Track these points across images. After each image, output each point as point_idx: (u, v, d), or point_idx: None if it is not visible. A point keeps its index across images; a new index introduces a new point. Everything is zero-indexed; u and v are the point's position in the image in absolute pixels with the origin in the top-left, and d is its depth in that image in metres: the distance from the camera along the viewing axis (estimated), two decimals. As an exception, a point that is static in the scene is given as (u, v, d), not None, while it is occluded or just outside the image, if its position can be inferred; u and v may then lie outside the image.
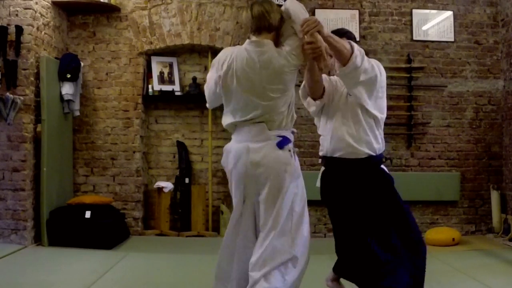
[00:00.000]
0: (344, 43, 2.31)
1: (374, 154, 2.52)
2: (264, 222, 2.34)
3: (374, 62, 2.54)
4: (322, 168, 2.68)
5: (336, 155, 2.56)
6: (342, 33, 2.58)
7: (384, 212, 2.50)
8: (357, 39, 5.18)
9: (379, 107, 2.54)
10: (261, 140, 2.35)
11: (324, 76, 2.60)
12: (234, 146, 2.45)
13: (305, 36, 2.26)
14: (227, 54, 2.42)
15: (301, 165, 5.13)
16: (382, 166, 2.59)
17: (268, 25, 2.34)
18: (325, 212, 5.12)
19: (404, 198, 5.29)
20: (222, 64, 2.41)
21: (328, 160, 2.61)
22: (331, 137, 2.57)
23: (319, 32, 2.23)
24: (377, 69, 2.50)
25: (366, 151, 2.51)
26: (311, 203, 5.55)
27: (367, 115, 2.51)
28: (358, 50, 2.34)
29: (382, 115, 2.56)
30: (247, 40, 2.40)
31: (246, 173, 2.37)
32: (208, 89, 2.57)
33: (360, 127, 2.50)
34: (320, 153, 2.69)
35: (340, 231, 2.66)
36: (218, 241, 2.84)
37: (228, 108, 2.47)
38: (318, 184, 2.69)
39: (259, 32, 2.35)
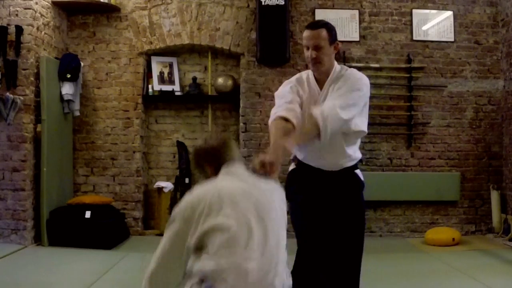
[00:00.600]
0: (308, 133, 2.19)
1: (354, 163, 2.43)
2: None
3: (356, 83, 2.39)
4: (292, 166, 2.51)
5: (318, 167, 2.40)
6: (320, 25, 2.38)
7: (346, 231, 2.36)
8: (357, 39, 5.20)
9: (363, 123, 2.43)
10: None
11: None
12: None
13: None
14: None
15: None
16: (357, 170, 2.47)
17: None
18: (325, 212, 5.13)
19: (404, 198, 5.35)
20: None
21: (303, 164, 2.45)
22: (318, 157, 2.37)
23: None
24: (357, 99, 2.34)
25: (348, 164, 2.41)
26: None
27: (354, 136, 2.40)
28: (323, 125, 2.15)
29: (366, 129, 2.44)
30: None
31: None
32: None
33: (350, 149, 2.39)
34: (293, 156, 2.51)
35: (301, 233, 2.38)
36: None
37: None
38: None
39: None
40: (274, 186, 1.90)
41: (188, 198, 1.76)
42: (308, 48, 2.34)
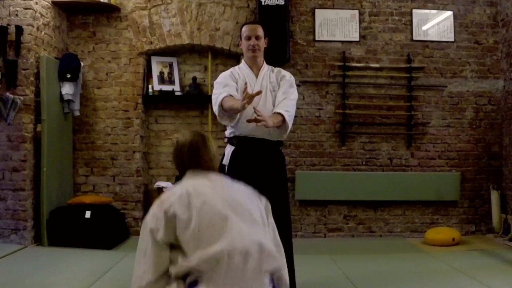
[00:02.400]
0: (278, 120, 2.84)
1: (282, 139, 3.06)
2: None
3: (291, 80, 3.09)
4: (231, 148, 3.02)
5: (255, 136, 2.95)
6: (257, 22, 3.19)
7: (276, 196, 2.79)
8: (357, 39, 5.20)
9: None
10: None
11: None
12: None
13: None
14: None
15: (301, 165, 5.16)
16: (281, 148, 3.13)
17: None
18: (325, 212, 5.13)
19: (404, 198, 5.36)
20: None
21: (241, 139, 2.98)
22: (255, 128, 2.85)
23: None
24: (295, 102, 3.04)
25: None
26: (311, 203, 5.56)
27: None
28: (288, 120, 2.86)
29: None
30: None
31: None
32: None
33: None
34: (230, 135, 3.04)
35: None
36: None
37: None
38: (225, 162, 3.02)
39: None
40: (242, 187, 1.97)
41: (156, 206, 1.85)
42: (249, 38, 2.96)
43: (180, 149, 1.99)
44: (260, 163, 2.96)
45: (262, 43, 3.01)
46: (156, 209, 1.82)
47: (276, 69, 3.13)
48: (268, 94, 2.99)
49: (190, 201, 1.77)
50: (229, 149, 3.05)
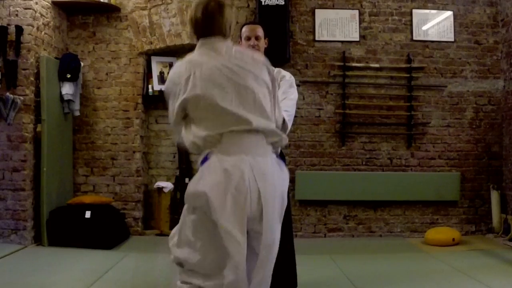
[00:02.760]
0: None
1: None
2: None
3: (291, 80, 3.04)
4: None
5: None
6: (257, 23, 3.16)
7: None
8: (357, 39, 5.20)
9: None
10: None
11: None
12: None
13: None
14: None
15: (301, 165, 5.14)
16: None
17: None
18: (325, 212, 5.14)
19: (404, 198, 5.36)
20: None
21: None
22: None
23: None
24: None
25: None
26: (311, 203, 5.56)
27: None
28: (288, 120, 2.64)
29: None
30: None
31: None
32: None
33: None
34: None
35: None
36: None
37: None
38: None
39: None
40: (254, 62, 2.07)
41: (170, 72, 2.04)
42: (249, 39, 2.96)
43: (195, 10, 2.04)
44: None
45: (262, 44, 3.02)
46: (173, 70, 2.03)
47: (276, 69, 3.13)
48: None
49: (190, 70, 1.93)
50: None
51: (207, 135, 1.88)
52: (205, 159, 1.91)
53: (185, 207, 2.05)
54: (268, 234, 1.88)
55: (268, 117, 1.95)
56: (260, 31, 3.00)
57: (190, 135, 1.94)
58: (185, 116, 1.97)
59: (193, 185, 1.92)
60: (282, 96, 2.97)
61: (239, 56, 2.03)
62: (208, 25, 2.04)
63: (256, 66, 2.02)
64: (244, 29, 3.03)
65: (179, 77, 1.93)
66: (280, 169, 2.00)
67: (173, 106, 1.97)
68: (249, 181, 1.83)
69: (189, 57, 2.02)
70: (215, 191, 1.82)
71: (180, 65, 1.99)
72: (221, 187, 1.82)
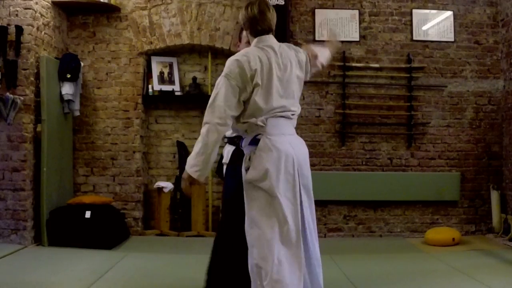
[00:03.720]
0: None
1: None
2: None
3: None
4: (231, 147, 2.90)
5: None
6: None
7: None
8: (357, 39, 5.20)
9: None
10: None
11: None
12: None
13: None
14: None
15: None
16: None
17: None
18: (325, 212, 5.13)
19: (404, 198, 5.35)
20: None
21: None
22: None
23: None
24: None
25: None
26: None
27: None
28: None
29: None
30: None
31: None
32: None
33: None
34: (232, 135, 2.91)
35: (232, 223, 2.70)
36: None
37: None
38: (225, 160, 2.98)
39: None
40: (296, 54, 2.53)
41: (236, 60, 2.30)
42: (249, 43, 2.83)
43: (250, 9, 2.39)
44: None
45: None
46: (235, 57, 2.30)
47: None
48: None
49: (259, 63, 2.28)
50: (229, 148, 3.01)
51: (260, 121, 2.28)
52: (253, 141, 2.32)
53: (248, 197, 2.32)
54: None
55: (298, 103, 2.49)
56: None
57: (244, 119, 2.31)
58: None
59: (260, 165, 2.24)
60: None
61: (285, 51, 2.42)
62: (263, 22, 2.40)
63: (296, 54, 2.50)
64: (244, 33, 2.95)
65: (248, 69, 2.25)
66: (303, 144, 2.46)
67: (230, 92, 2.23)
68: (292, 156, 2.29)
69: (252, 51, 2.33)
70: (275, 166, 2.23)
71: (246, 59, 2.27)
72: (278, 162, 2.24)
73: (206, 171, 2.27)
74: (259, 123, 2.28)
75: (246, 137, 2.37)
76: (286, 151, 2.27)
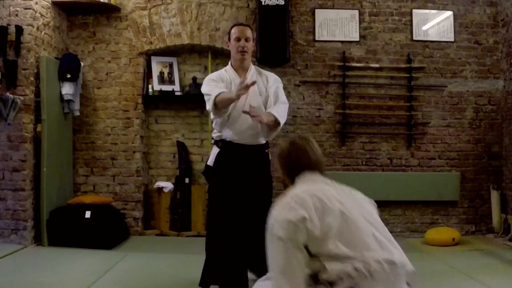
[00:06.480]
0: (271, 119, 2.96)
1: (265, 141, 3.15)
2: None
3: (280, 82, 3.22)
4: (216, 150, 3.10)
5: (239, 142, 3.03)
6: (246, 25, 3.17)
7: (261, 197, 3.02)
8: (357, 39, 5.20)
9: None
10: None
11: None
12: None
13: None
14: None
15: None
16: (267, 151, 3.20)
17: None
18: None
19: (404, 198, 5.35)
20: None
21: (226, 144, 3.06)
22: (240, 131, 3.02)
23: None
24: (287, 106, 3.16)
25: (262, 141, 3.12)
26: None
27: None
28: (280, 122, 2.99)
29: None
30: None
31: None
32: None
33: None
34: (217, 138, 3.12)
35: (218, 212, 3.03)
36: (218, 241, 2.84)
37: None
38: (210, 162, 3.12)
39: None
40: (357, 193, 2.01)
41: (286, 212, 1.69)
42: (239, 40, 2.99)
43: (288, 152, 1.94)
44: (244, 166, 3.01)
45: (251, 46, 3.05)
46: (286, 215, 1.68)
47: (264, 72, 3.19)
48: (255, 97, 3.03)
49: (324, 207, 1.70)
50: (214, 151, 3.13)
51: (357, 265, 1.65)
52: None
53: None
54: None
55: (396, 247, 1.83)
56: (249, 33, 3.04)
57: (333, 266, 1.67)
58: None
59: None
60: (274, 99, 3.12)
61: (342, 187, 1.95)
62: (313, 157, 1.96)
63: (360, 195, 2.09)
64: (233, 30, 3.05)
65: (298, 207, 1.69)
66: None
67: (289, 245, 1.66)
68: None
69: (298, 189, 1.79)
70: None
71: (293, 198, 1.73)
72: None
73: None
74: None
75: None
76: None
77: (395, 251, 1.73)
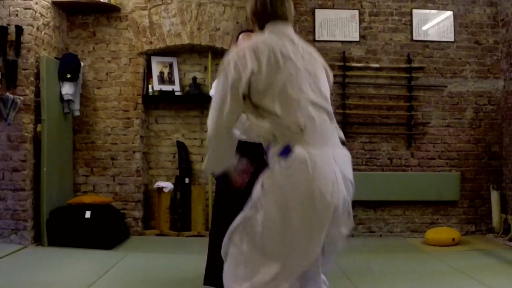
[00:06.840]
0: None
1: None
2: None
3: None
4: None
5: (248, 141, 2.99)
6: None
7: None
8: (357, 39, 5.20)
9: None
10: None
11: None
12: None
13: None
14: None
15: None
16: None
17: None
18: (325, 212, 5.12)
19: (404, 198, 5.36)
20: None
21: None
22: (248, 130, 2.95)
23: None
24: None
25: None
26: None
27: None
28: None
29: None
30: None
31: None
32: None
33: None
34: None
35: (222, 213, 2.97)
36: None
37: None
38: None
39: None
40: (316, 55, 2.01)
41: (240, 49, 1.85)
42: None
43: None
44: (252, 164, 3.00)
45: None
46: (238, 53, 1.83)
47: None
48: None
49: (277, 64, 1.80)
50: None
51: (288, 123, 1.76)
52: (286, 151, 1.78)
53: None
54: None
55: (330, 106, 1.94)
56: None
57: (265, 123, 1.81)
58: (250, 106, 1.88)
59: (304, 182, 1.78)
60: None
61: (305, 45, 1.98)
62: (280, 7, 1.97)
63: (318, 56, 2.01)
64: (241, 36, 3.13)
65: (251, 58, 1.78)
66: (348, 160, 2.08)
67: (228, 90, 1.82)
68: (336, 178, 1.96)
69: (260, 38, 1.87)
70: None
71: (252, 46, 1.82)
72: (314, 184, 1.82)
73: None
74: (292, 127, 1.90)
75: (275, 144, 1.95)
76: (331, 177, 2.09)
77: (326, 110, 1.88)
